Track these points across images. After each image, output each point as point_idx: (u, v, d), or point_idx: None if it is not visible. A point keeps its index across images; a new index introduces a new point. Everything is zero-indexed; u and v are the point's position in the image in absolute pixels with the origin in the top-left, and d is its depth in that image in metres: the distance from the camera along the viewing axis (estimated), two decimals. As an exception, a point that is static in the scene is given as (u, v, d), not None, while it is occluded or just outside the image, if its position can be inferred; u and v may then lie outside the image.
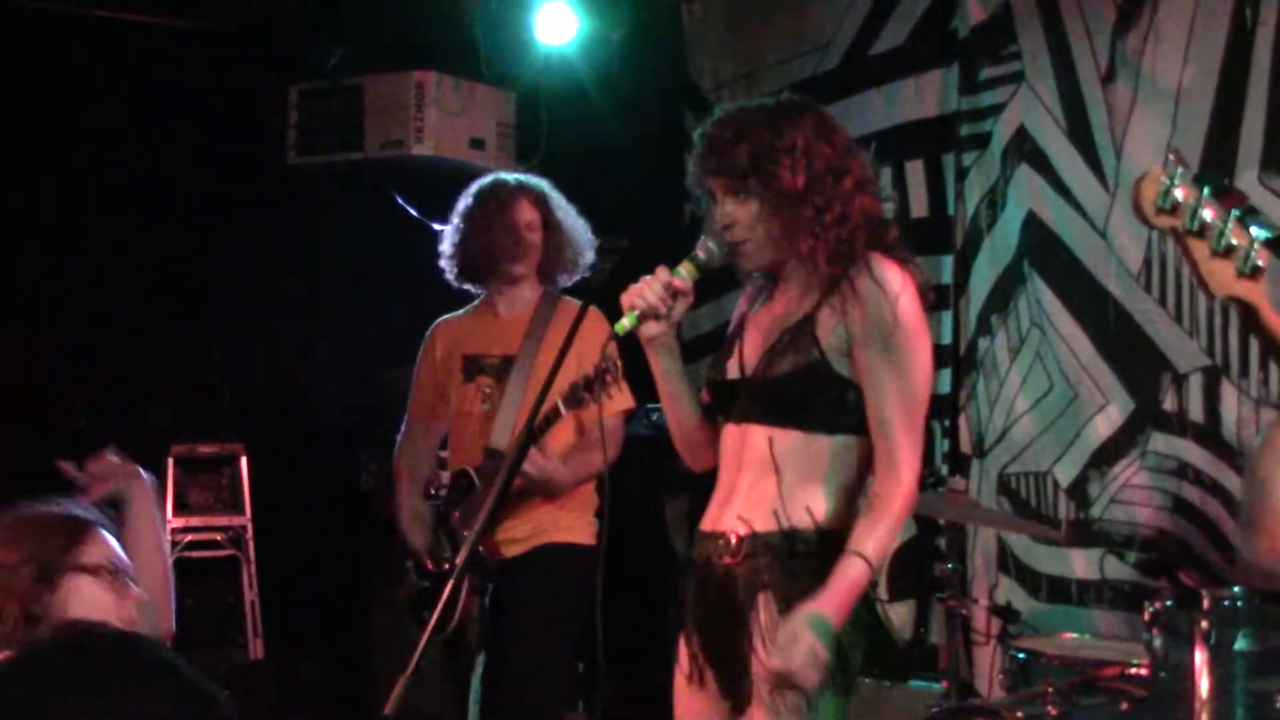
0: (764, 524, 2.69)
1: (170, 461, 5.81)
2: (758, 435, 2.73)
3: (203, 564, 5.76)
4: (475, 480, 4.04)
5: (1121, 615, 4.40)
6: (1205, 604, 2.51)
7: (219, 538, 5.77)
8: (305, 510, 5.88)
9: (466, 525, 4.02)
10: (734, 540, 2.72)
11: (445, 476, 4.43)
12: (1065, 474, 4.60)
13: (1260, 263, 2.14)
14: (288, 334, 5.95)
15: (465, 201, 4.26)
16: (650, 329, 2.79)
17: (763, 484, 2.71)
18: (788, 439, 2.70)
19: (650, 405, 3.06)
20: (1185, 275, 4.30)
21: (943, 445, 4.88)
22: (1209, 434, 4.29)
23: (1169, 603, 2.66)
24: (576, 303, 4.10)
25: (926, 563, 4.48)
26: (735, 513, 2.74)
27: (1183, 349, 4.32)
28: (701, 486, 2.92)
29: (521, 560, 3.99)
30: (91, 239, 5.48)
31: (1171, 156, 2.15)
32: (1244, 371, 4.21)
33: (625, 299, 2.77)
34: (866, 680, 3.83)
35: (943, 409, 4.80)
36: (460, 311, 4.33)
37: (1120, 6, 4.47)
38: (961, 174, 4.88)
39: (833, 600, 2.57)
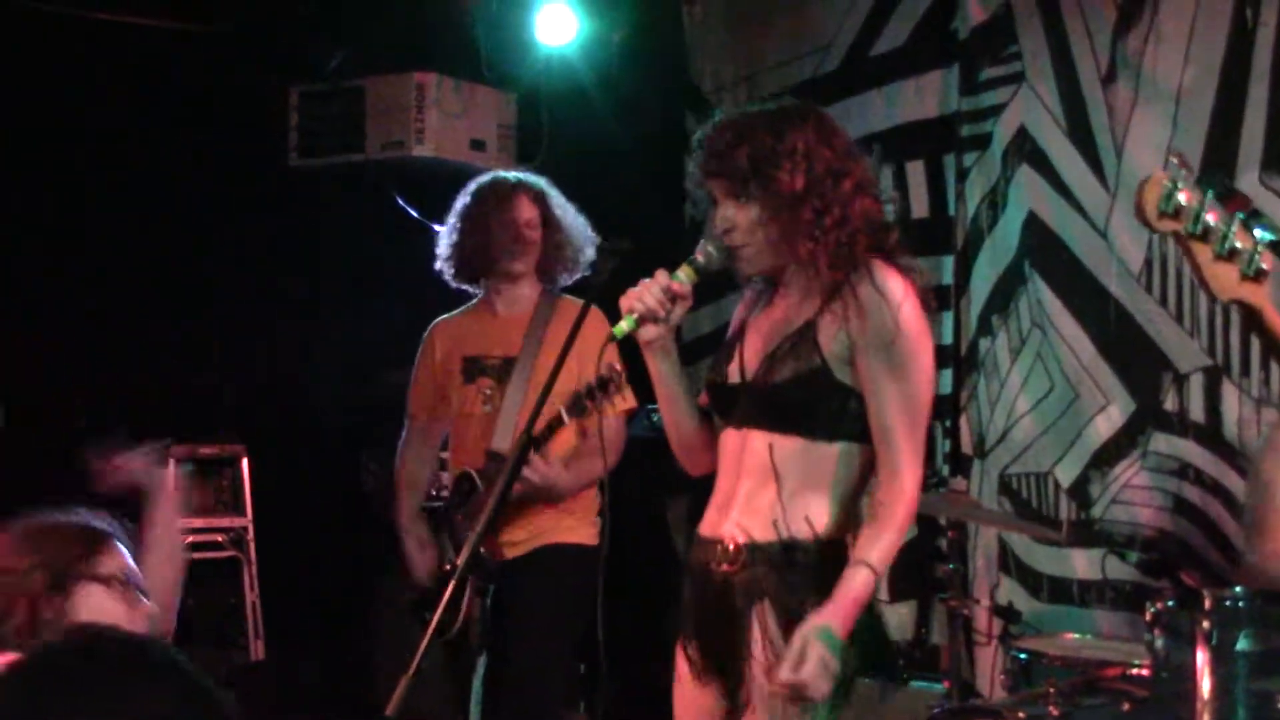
0: (763, 533, 2.69)
1: (172, 463, 5.80)
2: (758, 441, 2.73)
3: (204, 565, 5.75)
4: (478, 483, 4.03)
5: (1123, 615, 4.40)
6: (1207, 604, 2.51)
7: (220, 539, 5.77)
8: (306, 511, 5.88)
9: (469, 528, 4.02)
10: (732, 548, 2.72)
11: (446, 477, 4.44)
12: (1066, 474, 4.61)
13: (1264, 266, 2.15)
14: (289, 335, 5.95)
15: (463, 200, 4.25)
16: (648, 332, 2.79)
17: (763, 491, 2.71)
18: (788, 445, 2.70)
19: (650, 406, 3.06)
20: (1186, 275, 4.30)
21: (944, 446, 4.88)
22: (1210, 434, 4.29)
23: (1170, 603, 2.65)
24: (576, 301, 4.10)
25: (928, 563, 4.48)
26: (734, 520, 2.74)
27: (1184, 349, 4.32)
28: (702, 487, 2.92)
29: (523, 561, 3.99)
30: (92, 239, 5.48)
31: (1174, 160, 2.15)
32: (1245, 371, 4.21)
33: (624, 302, 2.77)
34: (866, 680, 3.82)
35: (944, 409, 4.80)
36: (458, 311, 4.32)
37: (1121, 7, 4.47)
38: (962, 174, 4.88)
39: (839, 611, 2.58)
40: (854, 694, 2.68)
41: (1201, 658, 2.50)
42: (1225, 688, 2.48)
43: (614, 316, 2.80)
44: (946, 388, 4.81)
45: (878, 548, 2.62)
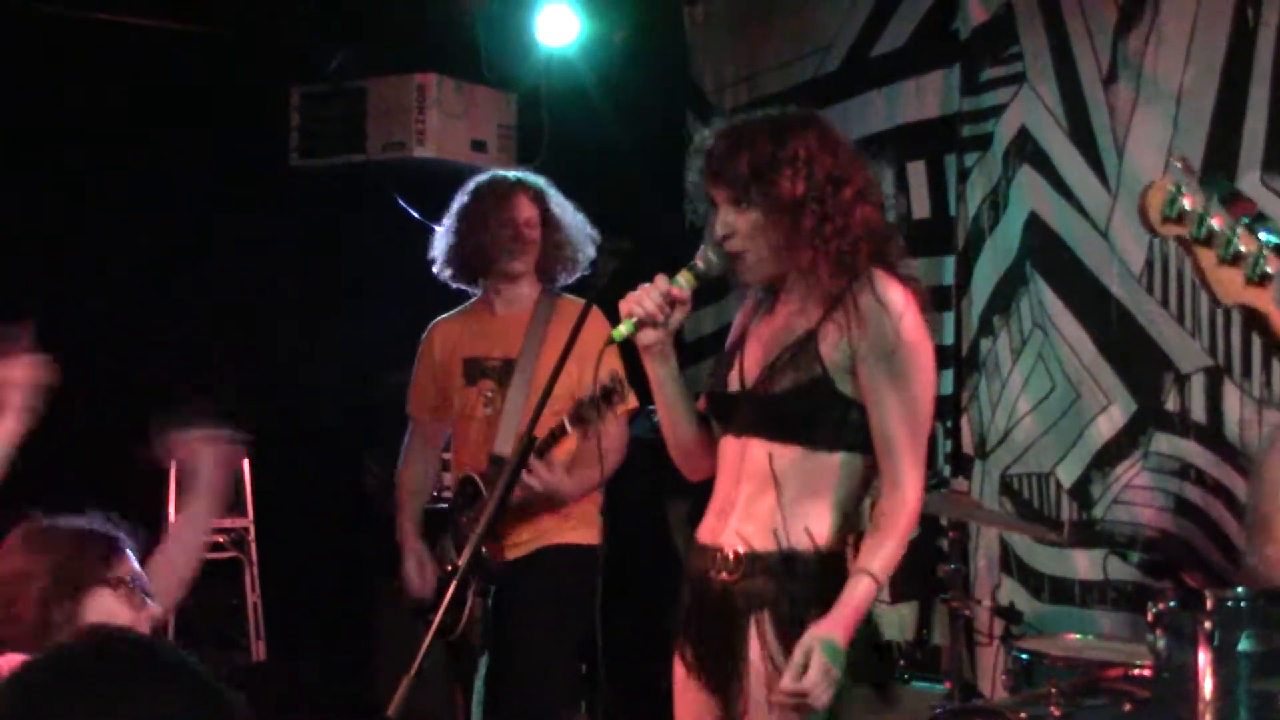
0: (763, 543, 2.69)
1: (173, 464, 5.80)
2: (757, 449, 2.73)
3: (205, 566, 5.73)
4: (481, 487, 4.02)
5: (1124, 616, 4.40)
6: (1209, 605, 2.51)
7: (221, 540, 5.77)
8: (307, 512, 5.88)
9: (473, 530, 4.01)
10: (732, 557, 2.72)
11: (449, 478, 4.43)
12: (1067, 475, 4.60)
13: (1270, 269, 2.14)
14: (289, 335, 5.95)
15: (461, 198, 4.22)
16: (647, 336, 2.78)
17: (762, 499, 2.71)
18: (788, 455, 2.70)
19: (651, 408, 3.07)
20: (1187, 276, 4.30)
21: (945, 446, 4.88)
22: (1211, 434, 4.29)
23: (1172, 603, 2.65)
24: (576, 300, 4.09)
25: (929, 564, 4.48)
26: (734, 528, 2.74)
27: (1185, 349, 4.32)
28: (704, 489, 2.92)
29: (525, 562, 3.99)
30: (93, 240, 5.47)
31: (1178, 164, 2.15)
32: (1246, 372, 4.21)
33: (623, 306, 2.77)
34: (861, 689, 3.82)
35: (945, 410, 4.80)
36: (456, 311, 4.30)
37: (1122, 7, 4.47)
38: (963, 175, 4.88)
39: (841, 621, 2.59)
40: (850, 701, 2.68)
41: (1203, 658, 2.50)
42: (1227, 688, 2.48)
43: (614, 317, 2.80)
44: (948, 388, 4.81)
45: (879, 557, 2.62)
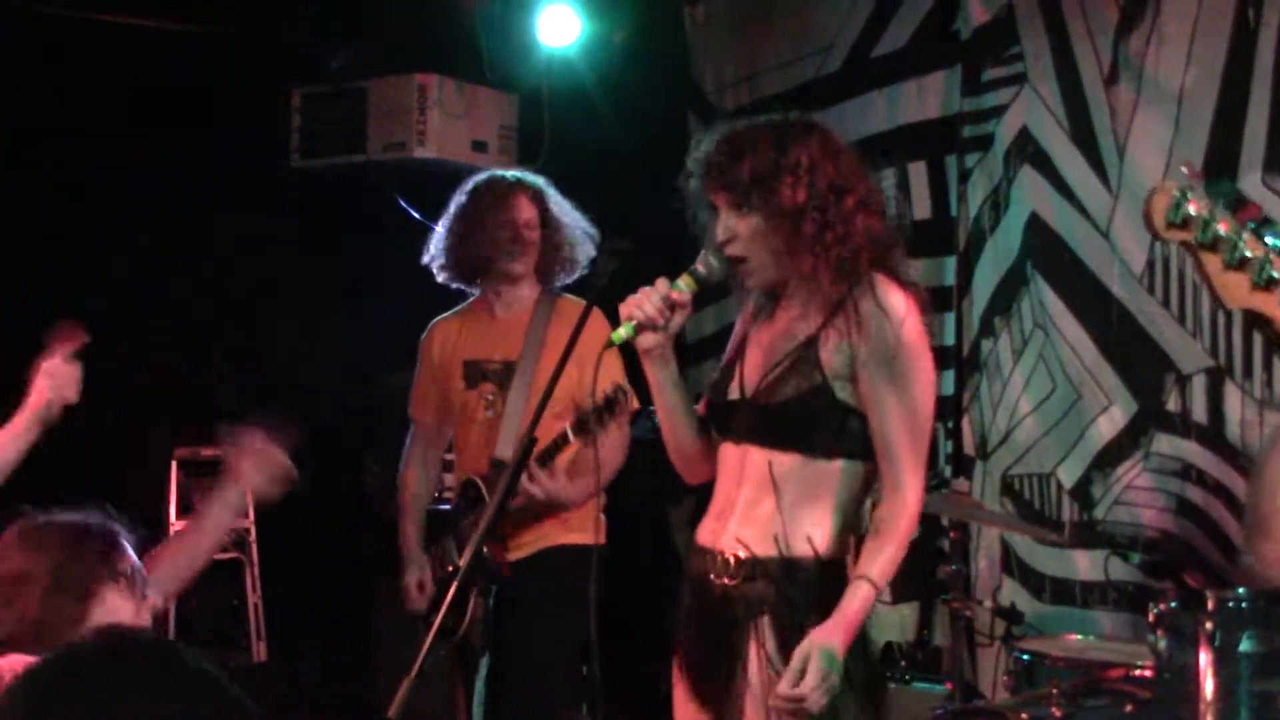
0: (764, 548, 2.69)
1: (174, 464, 5.81)
2: (757, 456, 2.73)
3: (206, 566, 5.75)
4: (484, 492, 4.01)
5: (1126, 617, 4.40)
6: (1210, 605, 2.51)
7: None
8: (308, 513, 5.87)
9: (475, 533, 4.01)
10: (733, 561, 2.72)
11: (450, 478, 4.42)
12: (1069, 475, 4.60)
13: (1276, 274, 2.14)
14: (291, 336, 5.95)
15: (459, 199, 4.18)
16: (647, 340, 2.78)
17: (762, 503, 2.71)
18: (788, 461, 2.70)
19: (651, 408, 3.07)
20: (1189, 276, 4.30)
21: (946, 447, 4.88)
22: (1212, 435, 4.28)
23: (1173, 604, 2.65)
24: (576, 301, 4.09)
25: (930, 565, 4.47)
26: (733, 532, 2.74)
27: (1186, 350, 4.32)
28: (705, 489, 2.91)
29: (526, 563, 3.98)
30: (93, 240, 5.48)
31: (1184, 169, 2.15)
32: (1247, 373, 4.21)
33: (623, 309, 2.77)
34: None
35: (946, 411, 4.80)
36: (455, 311, 4.27)
37: (1123, 8, 4.47)
38: (964, 175, 4.88)
39: (841, 627, 2.59)
40: (847, 707, 2.67)
41: (1204, 659, 2.49)
42: (1228, 689, 2.48)
43: (615, 319, 2.79)
44: (949, 389, 4.81)
45: (879, 563, 2.63)
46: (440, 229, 4.22)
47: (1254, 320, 2.19)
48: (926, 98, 5.03)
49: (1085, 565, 4.54)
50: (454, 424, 4.22)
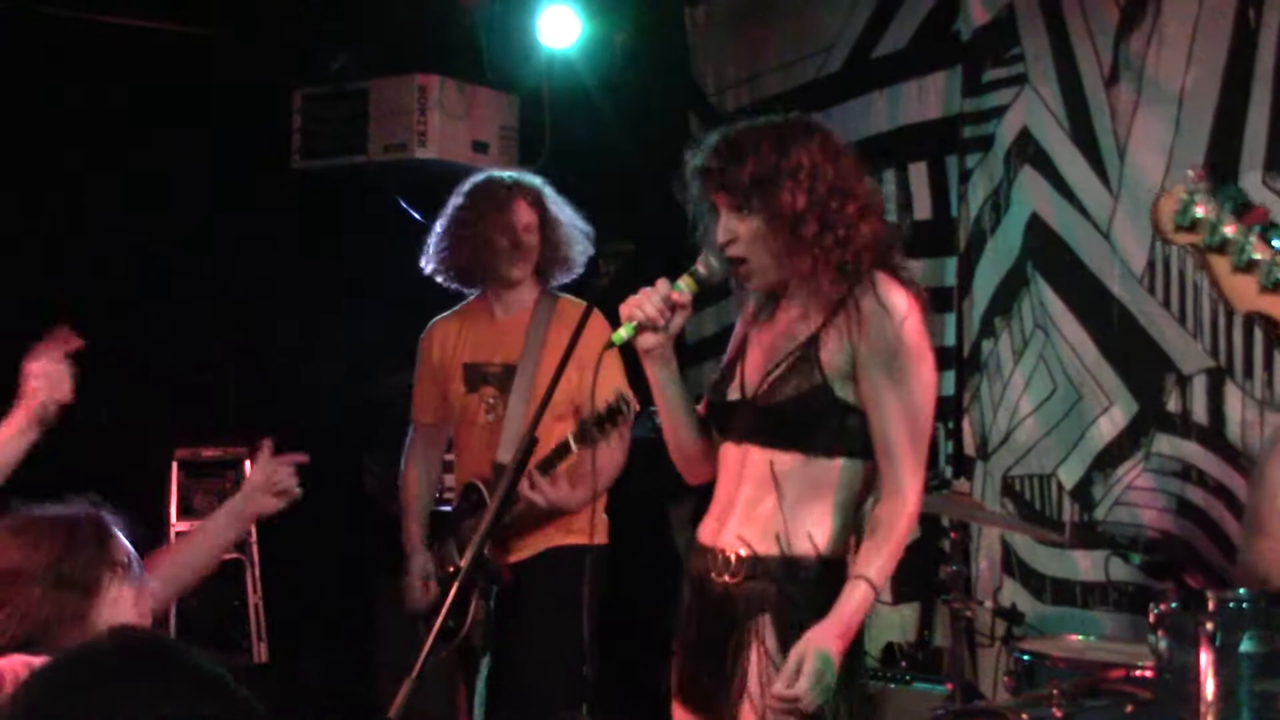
0: (765, 547, 2.70)
1: (175, 465, 5.80)
2: (758, 456, 2.74)
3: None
4: (485, 495, 4.00)
5: (1126, 617, 4.40)
6: (1210, 606, 2.51)
7: (222, 540, 5.76)
8: (308, 513, 5.87)
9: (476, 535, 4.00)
10: (734, 560, 2.72)
11: (451, 479, 4.42)
12: (1069, 476, 4.60)
13: None
14: (291, 337, 5.95)
15: (457, 200, 4.16)
16: (647, 340, 2.78)
17: (763, 501, 2.72)
18: (789, 461, 2.70)
19: (652, 409, 3.07)
20: (1189, 277, 4.30)
21: (946, 447, 4.88)
22: (1213, 436, 4.29)
23: (1174, 605, 2.66)
24: (575, 301, 4.08)
25: (931, 565, 4.48)
26: (735, 530, 2.74)
27: (1186, 350, 4.32)
28: (705, 490, 2.92)
29: (527, 565, 3.98)
30: (94, 240, 5.48)
31: (1191, 173, 2.15)
32: (1248, 373, 4.21)
33: (624, 310, 2.77)
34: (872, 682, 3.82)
35: (946, 411, 4.80)
36: (453, 312, 4.26)
37: (1123, 8, 4.47)
38: (965, 176, 4.88)
39: (837, 627, 2.60)
40: (842, 707, 2.67)
41: (1205, 659, 2.50)
42: (1229, 689, 2.48)
43: (615, 320, 2.79)
44: (949, 389, 4.81)
45: (877, 562, 2.63)
46: (437, 232, 4.20)
47: (1261, 323, 2.18)
48: (927, 98, 5.03)
49: (1086, 566, 4.54)
50: (454, 426, 4.21)
